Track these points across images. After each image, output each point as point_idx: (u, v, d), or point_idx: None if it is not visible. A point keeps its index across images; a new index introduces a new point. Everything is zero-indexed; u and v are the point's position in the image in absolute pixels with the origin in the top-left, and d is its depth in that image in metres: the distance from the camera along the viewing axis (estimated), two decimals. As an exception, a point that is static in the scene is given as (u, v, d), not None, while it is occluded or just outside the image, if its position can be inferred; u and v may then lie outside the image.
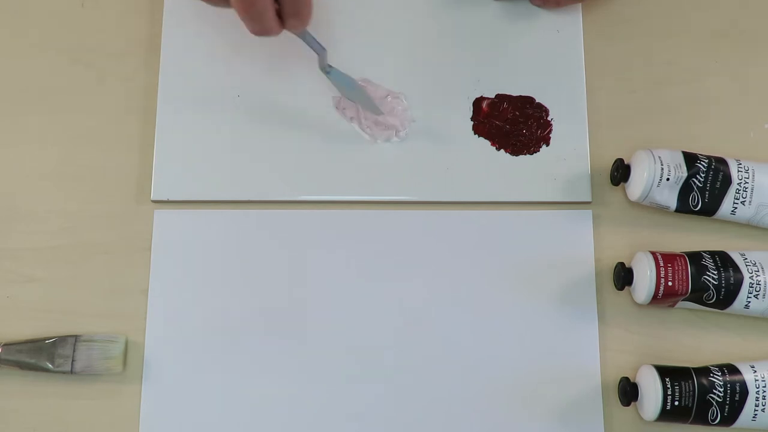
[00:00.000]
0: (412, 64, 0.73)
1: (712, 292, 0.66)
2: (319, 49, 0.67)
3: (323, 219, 0.71)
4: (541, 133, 0.72)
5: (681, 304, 0.67)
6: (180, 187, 0.71)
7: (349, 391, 0.68)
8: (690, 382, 0.64)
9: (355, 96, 0.71)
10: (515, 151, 0.72)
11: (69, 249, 0.70)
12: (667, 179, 0.67)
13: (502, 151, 0.72)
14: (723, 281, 0.66)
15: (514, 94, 0.73)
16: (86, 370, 0.66)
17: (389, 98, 0.72)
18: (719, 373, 0.65)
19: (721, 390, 0.64)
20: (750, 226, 0.70)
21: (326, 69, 0.69)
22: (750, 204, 0.68)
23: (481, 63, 0.73)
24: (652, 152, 0.67)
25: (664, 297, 0.66)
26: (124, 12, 0.74)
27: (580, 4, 0.74)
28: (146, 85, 0.73)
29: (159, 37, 0.73)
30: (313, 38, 0.66)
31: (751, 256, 0.67)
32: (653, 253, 0.67)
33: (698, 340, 0.69)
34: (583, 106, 0.73)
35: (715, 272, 0.66)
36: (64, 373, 0.66)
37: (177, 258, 0.70)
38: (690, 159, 0.68)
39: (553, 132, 0.72)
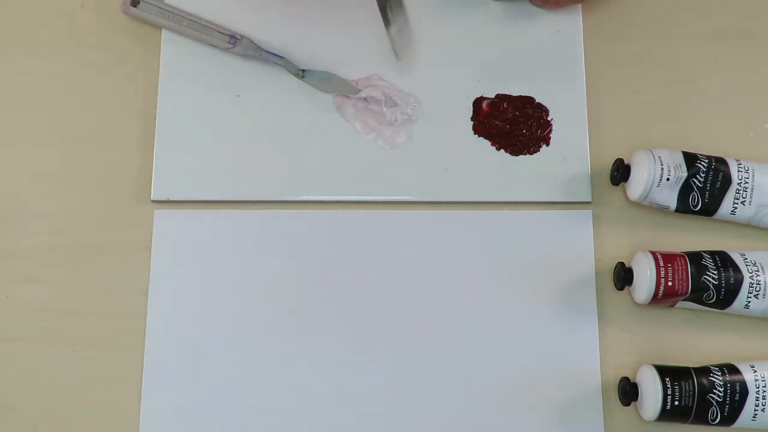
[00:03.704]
0: (412, 63, 0.73)
1: (712, 292, 0.66)
2: (278, 60, 0.67)
3: (323, 219, 0.71)
4: (541, 133, 0.72)
5: (681, 304, 0.67)
6: (180, 187, 0.70)
7: (348, 389, 0.68)
8: (690, 382, 0.64)
9: (332, 87, 0.71)
10: (515, 151, 0.72)
11: (69, 249, 0.70)
12: (667, 179, 0.67)
13: (502, 151, 0.72)
14: (723, 281, 0.66)
15: (514, 94, 0.73)
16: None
17: (398, 95, 0.72)
18: (719, 373, 0.65)
19: (721, 390, 0.64)
20: (750, 226, 0.70)
21: (299, 74, 0.69)
22: (750, 204, 0.68)
23: (481, 63, 0.73)
24: (652, 152, 0.67)
25: (664, 297, 0.66)
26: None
27: (580, 4, 0.74)
28: (146, 85, 0.73)
29: (159, 37, 0.73)
30: (269, 53, 0.66)
31: (751, 256, 0.67)
32: (653, 253, 0.67)
33: (698, 340, 0.69)
34: (583, 106, 0.73)
35: (715, 272, 0.66)
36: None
37: (177, 258, 0.70)
38: (690, 159, 0.68)
39: (553, 132, 0.72)
